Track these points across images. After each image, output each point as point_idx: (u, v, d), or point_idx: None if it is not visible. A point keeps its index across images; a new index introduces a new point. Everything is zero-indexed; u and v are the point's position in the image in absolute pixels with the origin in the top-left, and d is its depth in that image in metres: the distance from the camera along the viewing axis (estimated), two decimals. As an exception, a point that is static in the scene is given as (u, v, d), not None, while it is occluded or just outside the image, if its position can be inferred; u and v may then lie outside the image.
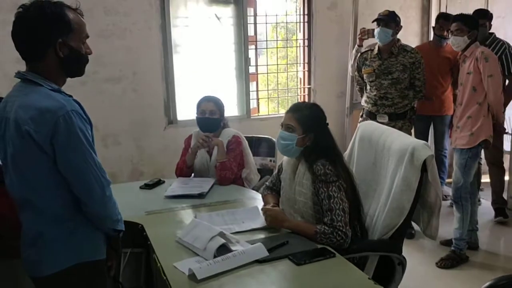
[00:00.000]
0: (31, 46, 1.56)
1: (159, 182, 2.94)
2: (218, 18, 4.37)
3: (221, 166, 2.89)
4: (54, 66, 1.58)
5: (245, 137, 3.13)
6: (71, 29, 1.58)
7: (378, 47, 3.67)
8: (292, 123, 2.19)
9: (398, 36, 3.70)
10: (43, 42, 1.55)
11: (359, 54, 3.88)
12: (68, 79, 1.69)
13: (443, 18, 4.05)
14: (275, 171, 2.49)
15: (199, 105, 3.04)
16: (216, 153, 2.95)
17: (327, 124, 2.23)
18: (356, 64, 3.88)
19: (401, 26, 3.69)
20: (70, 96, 1.61)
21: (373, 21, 3.66)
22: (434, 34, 4.13)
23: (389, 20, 3.56)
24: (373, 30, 3.69)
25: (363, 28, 3.96)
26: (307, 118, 2.19)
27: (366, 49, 3.81)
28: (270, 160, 3.37)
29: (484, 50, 3.32)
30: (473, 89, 3.27)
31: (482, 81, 3.23)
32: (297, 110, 2.24)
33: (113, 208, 1.65)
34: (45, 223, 1.57)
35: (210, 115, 2.99)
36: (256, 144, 3.40)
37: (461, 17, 3.36)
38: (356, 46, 4.04)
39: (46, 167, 1.53)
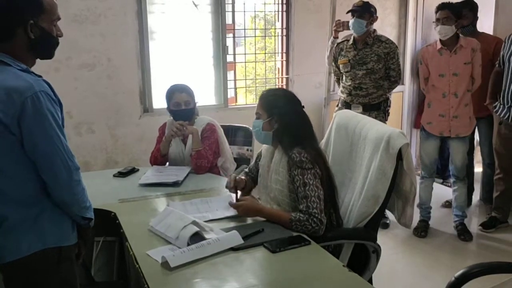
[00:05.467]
0: (0, 26, 1.51)
1: (133, 170, 2.90)
2: (196, 5, 4.30)
3: (196, 155, 2.84)
4: (23, 47, 1.55)
5: (222, 126, 3.10)
6: (43, 10, 1.55)
7: (354, 37, 3.68)
8: (259, 109, 2.24)
9: (375, 27, 3.70)
10: (13, 22, 1.51)
11: (335, 45, 3.88)
12: (41, 65, 1.65)
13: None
14: (255, 158, 2.48)
15: (171, 97, 2.94)
16: (191, 142, 2.91)
17: (303, 107, 2.23)
18: (332, 55, 3.89)
19: (377, 17, 3.69)
20: (40, 76, 1.56)
21: (347, 12, 3.65)
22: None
23: (363, 11, 3.56)
24: (348, 22, 3.68)
25: (338, 20, 3.94)
26: (270, 102, 2.22)
27: (343, 40, 3.82)
28: (247, 149, 3.34)
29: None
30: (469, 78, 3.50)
31: (474, 70, 3.48)
32: (263, 97, 2.27)
33: (81, 194, 1.60)
34: (10, 207, 1.52)
35: (186, 106, 2.93)
36: (233, 133, 3.37)
37: (448, 5, 3.46)
38: (331, 37, 4.04)
39: (14, 149, 1.48)
